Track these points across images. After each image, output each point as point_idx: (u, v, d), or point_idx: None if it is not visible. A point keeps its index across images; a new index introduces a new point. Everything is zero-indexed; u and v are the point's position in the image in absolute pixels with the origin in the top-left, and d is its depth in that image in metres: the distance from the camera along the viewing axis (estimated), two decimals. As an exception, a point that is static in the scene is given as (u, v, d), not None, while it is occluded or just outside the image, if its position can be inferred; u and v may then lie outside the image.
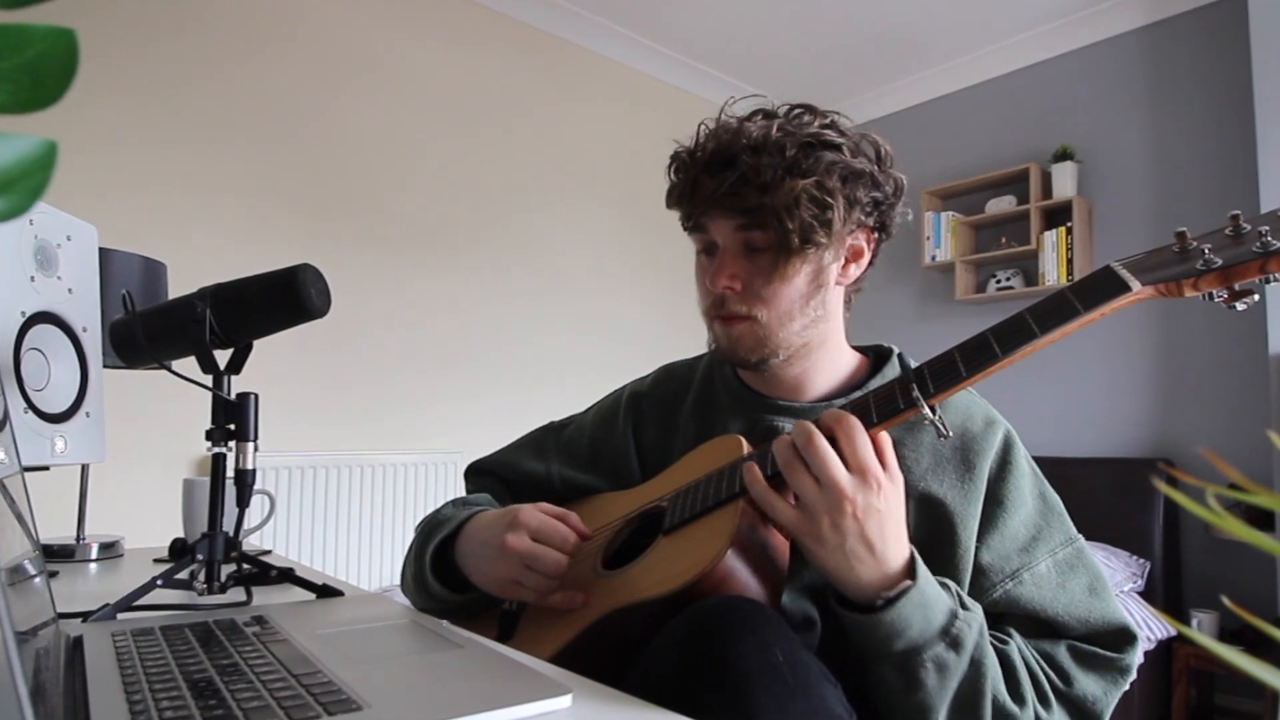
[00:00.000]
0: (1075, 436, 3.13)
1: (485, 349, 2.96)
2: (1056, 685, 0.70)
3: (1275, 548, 0.20)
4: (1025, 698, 0.67)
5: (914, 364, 0.68)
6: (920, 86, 3.77)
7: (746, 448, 0.74)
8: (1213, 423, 2.79)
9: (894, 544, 0.63)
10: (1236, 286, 0.60)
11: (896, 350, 0.86)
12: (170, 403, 2.15)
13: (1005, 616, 0.74)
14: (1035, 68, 3.40)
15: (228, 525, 0.83)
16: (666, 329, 3.53)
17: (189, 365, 0.83)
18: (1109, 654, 0.72)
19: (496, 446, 1.04)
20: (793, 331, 0.79)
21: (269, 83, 2.49)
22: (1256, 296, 0.60)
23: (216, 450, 0.83)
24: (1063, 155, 3.15)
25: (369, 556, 2.58)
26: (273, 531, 2.36)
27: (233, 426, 0.83)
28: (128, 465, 2.12)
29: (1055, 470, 1.64)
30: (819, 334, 0.81)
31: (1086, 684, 0.70)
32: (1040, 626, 0.73)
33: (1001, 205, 3.33)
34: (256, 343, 0.86)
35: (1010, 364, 0.63)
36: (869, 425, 0.65)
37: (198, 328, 0.81)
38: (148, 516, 2.13)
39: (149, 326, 0.86)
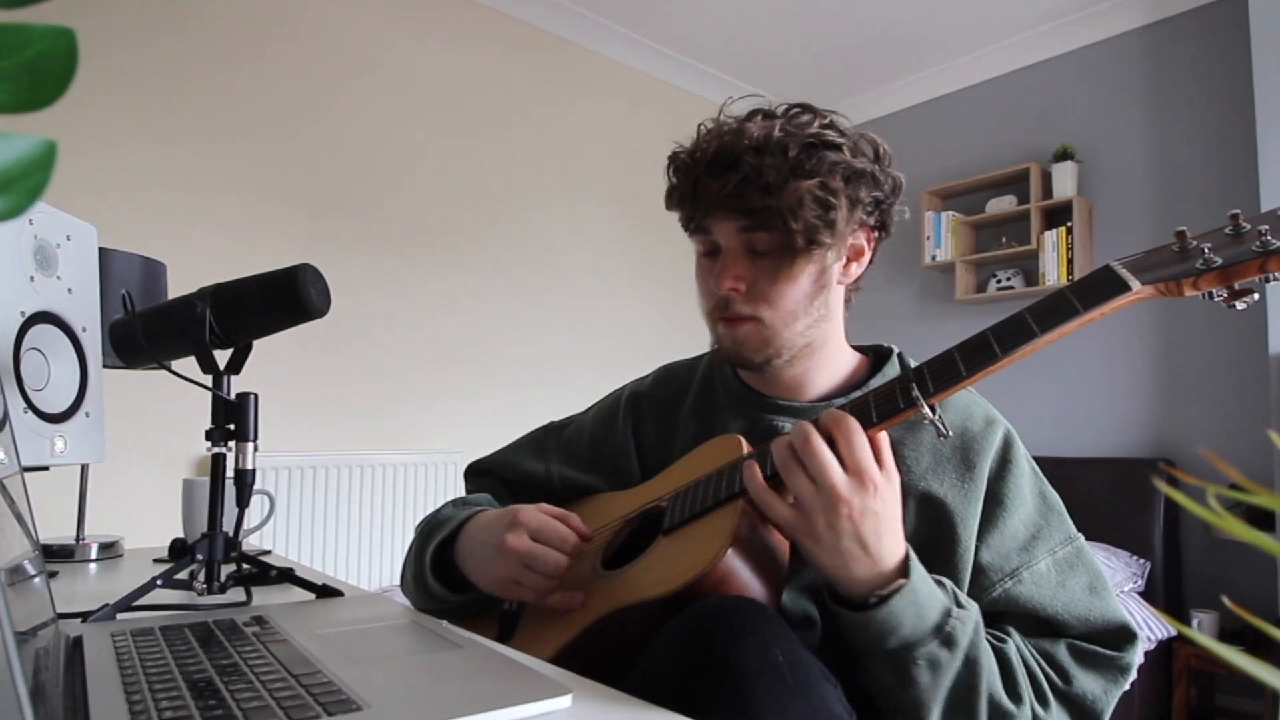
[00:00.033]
0: (1075, 436, 3.13)
1: (485, 349, 2.96)
2: (1056, 684, 0.70)
3: (1275, 548, 0.20)
4: (1022, 696, 0.67)
5: (914, 363, 0.68)
6: (920, 86, 3.77)
7: (746, 447, 0.74)
8: (1213, 422, 2.79)
9: (889, 543, 0.63)
10: (1236, 286, 0.60)
11: (896, 350, 0.86)
12: (170, 403, 2.15)
13: (1005, 615, 0.74)
14: (1035, 68, 3.40)
15: (227, 525, 0.83)
16: (666, 329, 3.53)
17: (189, 365, 0.83)
18: (1109, 652, 0.72)
19: (496, 446, 1.04)
20: (796, 331, 0.79)
21: (269, 83, 2.49)
22: (1256, 296, 0.60)
23: (216, 450, 0.83)
24: (1063, 155, 3.15)
25: (369, 556, 2.58)
26: (272, 531, 2.36)
27: (232, 426, 0.83)
28: (127, 465, 2.12)
29: (1055, 470, 1.63)
30: (821, 334, 0.81)
31: (1086, 682, 0.70)
32: (1040, 625, 0.73)
33: (1002, 205, 3.33)
34: (256, 343, 0.86)
35: (1010, 363, 0.63)
36: (869, 425, 0.65)
37: (197, 328, 0.81)
38: (147, 516, 2.13)
39: (149, 326, 0.86)
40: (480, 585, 0.77)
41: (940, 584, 0.66)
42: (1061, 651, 0.72)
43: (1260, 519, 2.40)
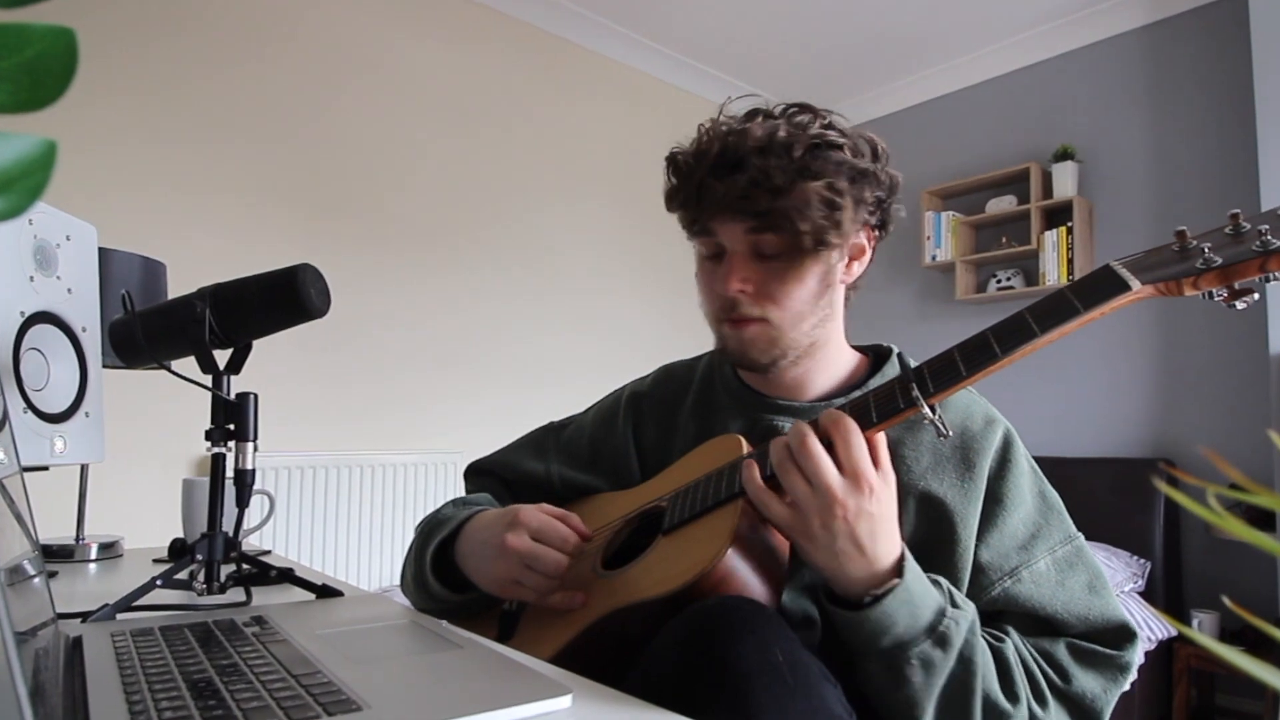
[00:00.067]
0: (1075, 436, 3.13)
1: (485, 349, 2.96)
2: (1055, 683, 0.70)
3: (1276, 548, 0.20)
4: (1019, 695, 0.67)
5: (913, 363, 0.68)
6: (920, 86, 3.77)
7: (746, 447, 0.74)
8: (1213, 422, 2.79)
9: (884, 544, 0.63)
10: (1236, 285, 0.60)
11: (896, 350, 0.86)
12: (170, 403, 2.15)
13: (1004, 614, 0.74)
14: (1035, 67, 3.40)
15: (227, 525, 0.83)
16: (666, 329, 3.53)
17: (189, 365, 0.83)
18: (1108, 651, 0.72)
19: (496, 446, 1.04)
20: (803, 331, 0.79)
21: (269, 83, 2.49)
22: (1256, 295, 0.60)
23: (216, 450, 0.83)
24: (1063, 155, 3.15)
25: (369, 557, 2.58)
26: (272, 532, 2.36)
27: (232, 426, 0.83)
28: (127, 465, 2.12)
29: (1055, 470, 1.64)
30: (825, 333, 0.82)
31: (1085, 681, 0.70)
32: (1039, 624, 0.73)
33: (1002, 205, 3.33)
34: (256, 343, 0.86)
35: (1010, 363, 0.63)
36: (869, 425, 0.65)
37: (197, 328, 0.81)
38: (147, 517, 2.13)
39: (148, 326, 0.86)
40: (480, 585, 0.77)
41: (936, 583, 0.66)
42: (1061, 650, 0.72)
43: (1260, 519, 2.40)
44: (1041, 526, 0.75)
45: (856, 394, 0.79)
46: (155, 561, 1.13)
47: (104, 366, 1.00)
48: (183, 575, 0.80)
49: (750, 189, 0.73)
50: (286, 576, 0.89)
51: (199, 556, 0.81)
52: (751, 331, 0.78)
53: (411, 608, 0.81)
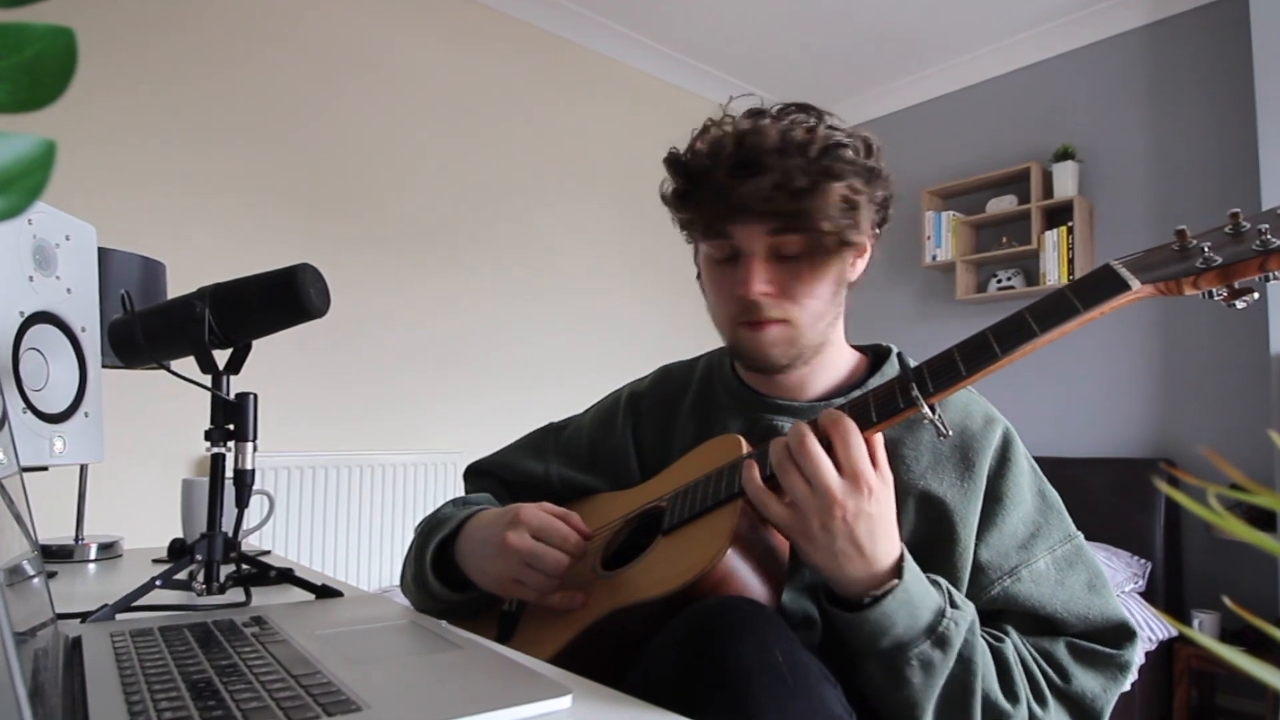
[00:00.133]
0: (1075, 436, 3.13)
1: (485, 349, 2.96)
2: (1055, 682, 0.70)
3: (1276, 548, 0.20)
4: (1019, 695, 0.67)
5: (913, 363, 0.68)
6: (920, 86, 3.77)
7: (745, 447, 0.74)
8: (1213, 422, 2.79)
9: (883, 545, 0.63)
10: (1236, 285, 0.60)
11: (895, 349, 0.86)
12: (169, 403, 2.15)
13: (1004, 613, 0.74)
14: (1036, 67, 3.40)
15: (227, 525, 0.83)
16: (666, 329, 3.53)
17: (188, 365, 0.83)
18: (1108, 650, 0.72)
19: (496, 446, 1.04)
20: (819, 331, 0.79)
21: (269, 83, 2.49)
22: (1256, 295, 0.60)
23: (215, 450, 0.82)
24: (1063, 155, 3.15)
25: (368, 557, 2.58)
26: (272, 532, 2.36)
27: (232, 426, 0.83)
28: (126, 465, 2.12)
29: (1055, 470, 1.63)
30: (833, 332, 0.82)
31: (1085, 681, 0.70)
32: (1039, 623, 0.73)
33: (1002, 205, 3.33)
34: (256, 343, 0.86)
35: (1010, 363, 0.62)
36: (868, 424, 0.65)
37: (196, 328, 0.81)
38: (146, 517, 2.13)
39: (148, 326, 0.86)
40: (481, 584, 0.77)
41: (935, 584, 0.66)
42: (1060, 650, 0.72)
43: (1261, 519, 2.40)
44: (1041, 526, 0.75)
45: (856, 394, 0.79)
46: (155, 562, 1.13)
47: (103, 366, 1.00)
48: (182, 575, 0.80)
49: (774, 191, 0.72)
50: (286, 577, 0.89)
51: (198, 557, 0.80)
52: (773, 333, 0.77)
53: (411, 608, 0.81)
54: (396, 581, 2.58)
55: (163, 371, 0.86)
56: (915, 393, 0.64)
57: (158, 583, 0.77)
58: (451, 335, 2.87)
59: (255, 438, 0.84)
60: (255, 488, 0.86)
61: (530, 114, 3.17)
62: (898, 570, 0.64)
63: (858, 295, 0.87)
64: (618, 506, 0.85)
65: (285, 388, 2.43)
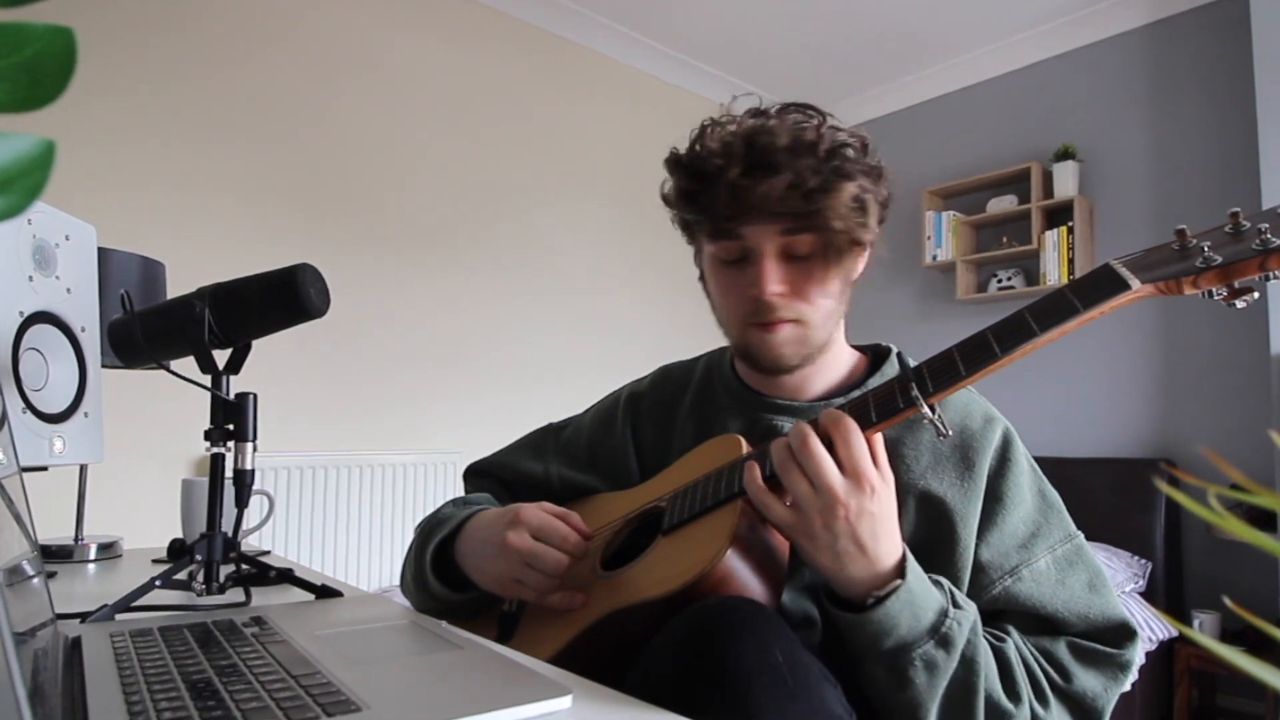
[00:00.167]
0: (1075, 436, 3.12)
1: (485, 349, 2.96)
2: (1055, 682, 0.70)
3: (1276, 548, 0.20)
4: (1021, 695, 0.67)
5: (913, 363, 0.68)
6: (920, 86, 3.77)
7: (745, 447, 0.74)
8: (1214, 422, 2.79)
9: (886, 545, 0.63)
10: (1236, 284, 0.60)
11: (895, 349, 0.86)
12: (169, 403, 2.15)
13: (1005, 613, 0.74)
14: (1036, 67, 3.40)
15: (226, 526, 0.83)
16: (666, 329, 3.53)
17: (188, 365, 0.83)
18: (1109, 650, 0.72)
19: (496, 446, 1.04)
20: (828, 330, 0.79)
21: (268, 83, 2.49)
22: (1256, 294, 0.60)
23: (215, 450, 0.82)
24: (1064, 154, 3.15)
25: (368, 557, 2.58)
26: (272, 532, 2.36)
27: (231, 426, 0.83)
28: (126, 465, 2.12)
29: (1055, 470, 1.63)
30: (837, 332, 0.82)
31: (1086, 680, 0.70)
32: (1040, 623, 0.73)
33: (1002, 205, 3.33)
34: (256, 343, 0.86)
35: (1010, 362, 0.62)
36: (868, 424, 0.65)
37: (196, 327, 0.81)
38: (146, 517, 2.13)
39: (147, 326, 0.86)
40: (481, 584, 0.77)
41: (938, 584, 0.66)
42: (1061, 649, 0.72)
43: (1261, 519, 2.40)
44: (1041, 525, 0.75)
45: (856, 394, 0.79)
46: (154, 562, 1.13)
47: (103, 366, 1.00)
48: (182, 576, 0.80)
49: (788, 191, 0.72)
50: (286, 577, 0.89)
51: (198, 557, 0.80)
52: (785, 334, 0.77)
53: (411, 608, 0.81)
54: (396, 581, 2.58)
55: (162, 371, 0.86)
56: (915, 392, 0.64)
57: (157, 583, 0.77)
58: (451, 335, 2.87)
59: (255, 438, 0.84)
60: (255, 488, 0.86)
61: (530, 114, 3.17)
62: (900, 570, 0.64)
63: (858, 295, 0.87)
64: (617, 506, 0.85)
65: (285, 388, 2.43)
